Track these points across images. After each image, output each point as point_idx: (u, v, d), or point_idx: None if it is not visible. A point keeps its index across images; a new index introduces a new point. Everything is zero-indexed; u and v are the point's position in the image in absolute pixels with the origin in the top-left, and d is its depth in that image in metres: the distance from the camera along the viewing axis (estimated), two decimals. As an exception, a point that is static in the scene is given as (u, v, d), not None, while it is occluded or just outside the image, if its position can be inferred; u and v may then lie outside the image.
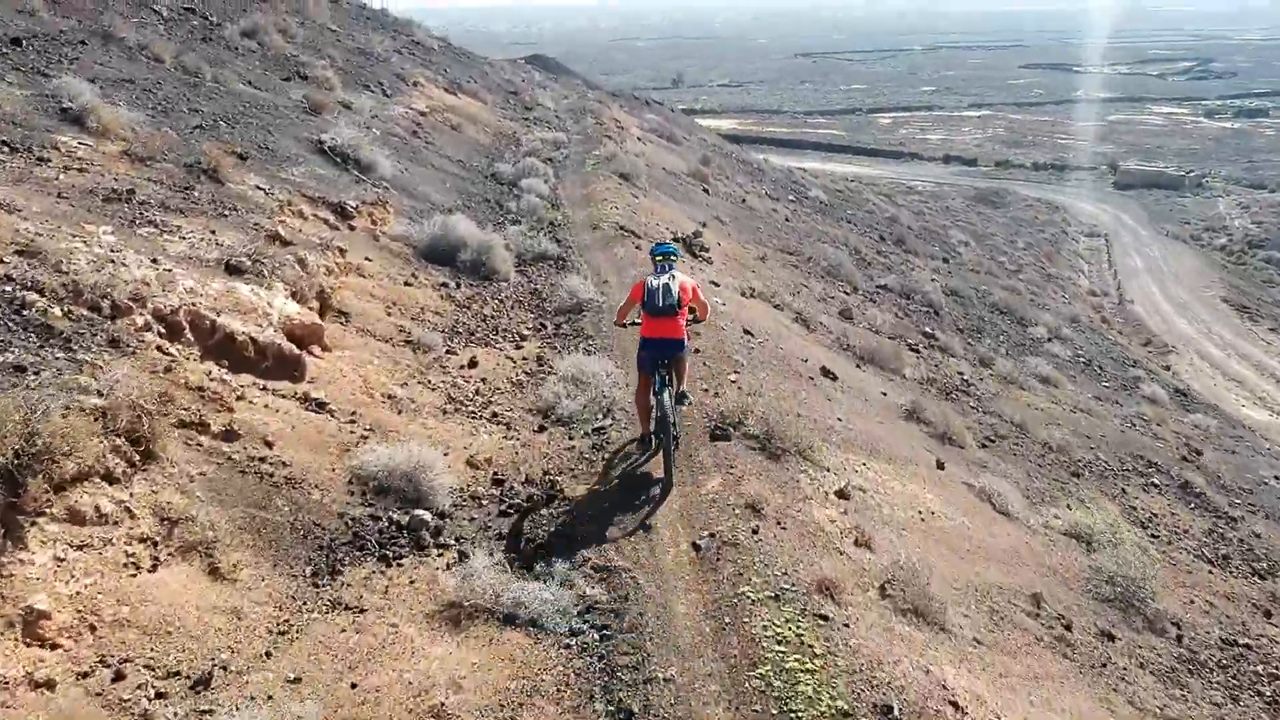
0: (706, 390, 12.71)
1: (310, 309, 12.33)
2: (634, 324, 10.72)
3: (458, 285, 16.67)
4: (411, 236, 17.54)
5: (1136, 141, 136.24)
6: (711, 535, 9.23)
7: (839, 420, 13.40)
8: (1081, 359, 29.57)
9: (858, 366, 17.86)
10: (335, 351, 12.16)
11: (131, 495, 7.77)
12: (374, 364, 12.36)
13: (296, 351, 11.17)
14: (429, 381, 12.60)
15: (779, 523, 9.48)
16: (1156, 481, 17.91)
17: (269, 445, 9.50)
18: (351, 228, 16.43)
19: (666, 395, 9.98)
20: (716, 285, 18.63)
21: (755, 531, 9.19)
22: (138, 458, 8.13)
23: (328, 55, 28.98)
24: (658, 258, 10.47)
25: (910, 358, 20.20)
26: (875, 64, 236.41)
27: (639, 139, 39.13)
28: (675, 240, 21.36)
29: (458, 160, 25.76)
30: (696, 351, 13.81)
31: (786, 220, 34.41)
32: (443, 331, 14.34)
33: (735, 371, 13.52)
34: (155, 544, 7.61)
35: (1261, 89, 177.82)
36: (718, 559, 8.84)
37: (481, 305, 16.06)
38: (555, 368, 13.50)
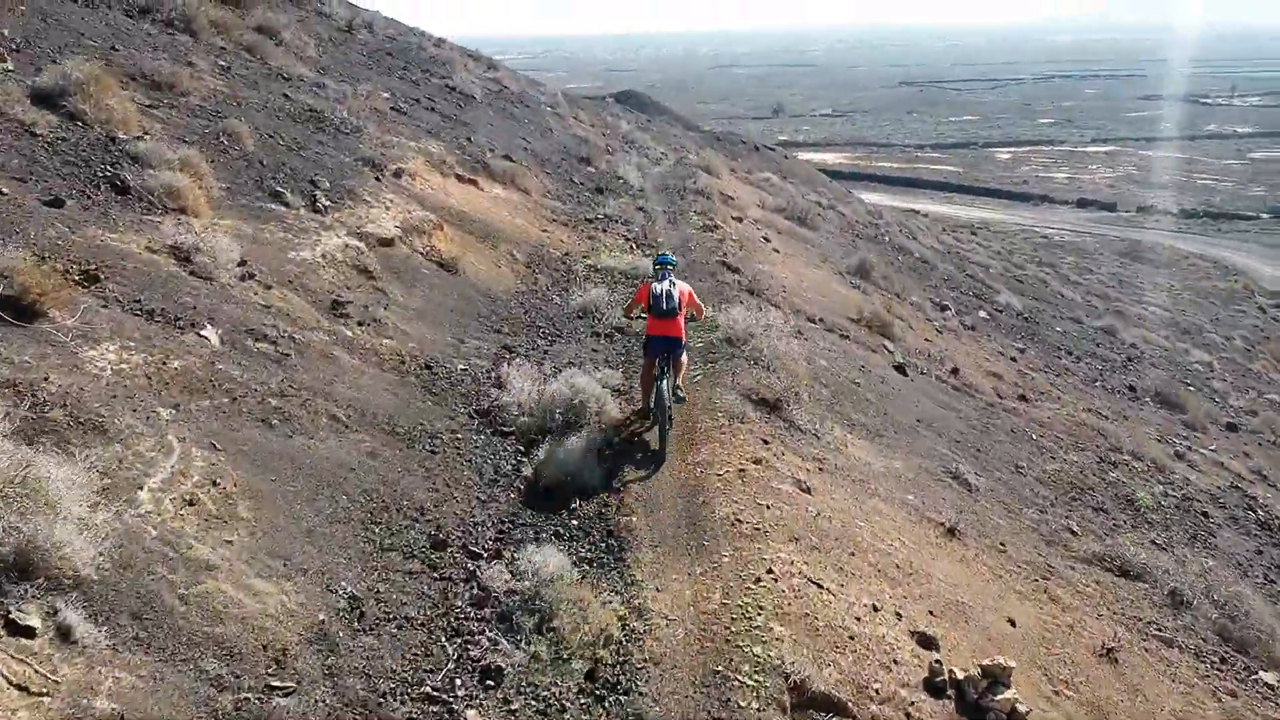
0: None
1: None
2: (640, 318, 11.74)
3: None
4: None
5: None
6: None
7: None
8: None
9: None
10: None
11: None
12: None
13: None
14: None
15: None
16: None
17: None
18: None
19: (665, 384, 10.71)
20: None
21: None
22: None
23: (247, 121, 15.42)
24: (657, 266, 11.48)
25: None
26: (984, 94, 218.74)
27: (764, 235, 24.76)
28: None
29: (413, 374, 11.65)
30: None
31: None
32: None
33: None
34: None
35: None
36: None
37: None
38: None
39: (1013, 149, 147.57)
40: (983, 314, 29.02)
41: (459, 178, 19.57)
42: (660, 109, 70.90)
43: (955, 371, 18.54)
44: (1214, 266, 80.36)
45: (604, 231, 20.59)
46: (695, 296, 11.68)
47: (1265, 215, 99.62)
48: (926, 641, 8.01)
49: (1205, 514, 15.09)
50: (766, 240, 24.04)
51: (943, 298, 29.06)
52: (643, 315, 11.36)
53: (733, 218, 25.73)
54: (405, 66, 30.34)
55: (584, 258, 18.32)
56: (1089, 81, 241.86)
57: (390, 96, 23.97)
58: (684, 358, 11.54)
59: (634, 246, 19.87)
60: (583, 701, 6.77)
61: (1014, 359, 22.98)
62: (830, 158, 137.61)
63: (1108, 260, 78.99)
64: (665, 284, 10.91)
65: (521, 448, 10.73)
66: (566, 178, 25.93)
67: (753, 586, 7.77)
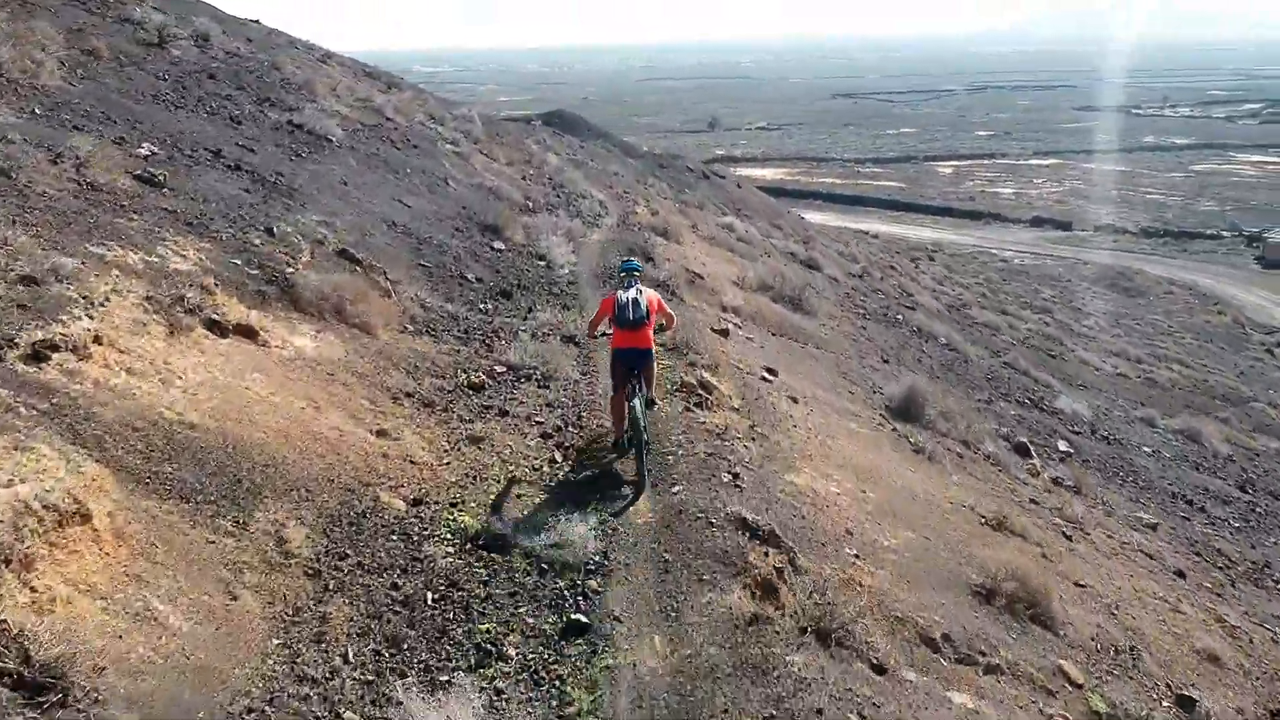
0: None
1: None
2: (604, 335, 10.74)
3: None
4: None
5: (1238, 197, 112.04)
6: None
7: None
8: None
9: None
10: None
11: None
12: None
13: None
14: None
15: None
16: None
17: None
18: None
19: (638, 402, 9.91)
20: None
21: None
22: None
23: None
24: (622, 274, 10.55)
25: None
26: (919, 106, 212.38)
27: (765, 368, 15.18)
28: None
29: None
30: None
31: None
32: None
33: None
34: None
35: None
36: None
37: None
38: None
39: (954, 163, 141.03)
40: (1061, 444, 19.94)
41: (215, 325, 9.75)
42: (595, 131, 61.14)
43: None
44: (1192, 294, 72.96)
45: (504, 413, 10.86)
46: (665, 305, 10.87)
47: (1227, 234, 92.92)
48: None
49: None
50: (768, 378, 14.57)
51: (1004, 421, 19.90)
52: (608, 332, 10.49)
53: (713, 330, 16.24)
54: (229, 96, 20.42)
55: (450, 512, 8.63)
56: (1020, 93, 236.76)
57: (152, 154, 14.05)
58: (654, 367, 10.72)
59: (557, 454, 10.20)
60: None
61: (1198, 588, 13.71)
62: (770, 174, 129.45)
63: (1082, 290, 71.16)
64: (632, 292, 10.11)
65: None
66: (454, 273, 16.09)
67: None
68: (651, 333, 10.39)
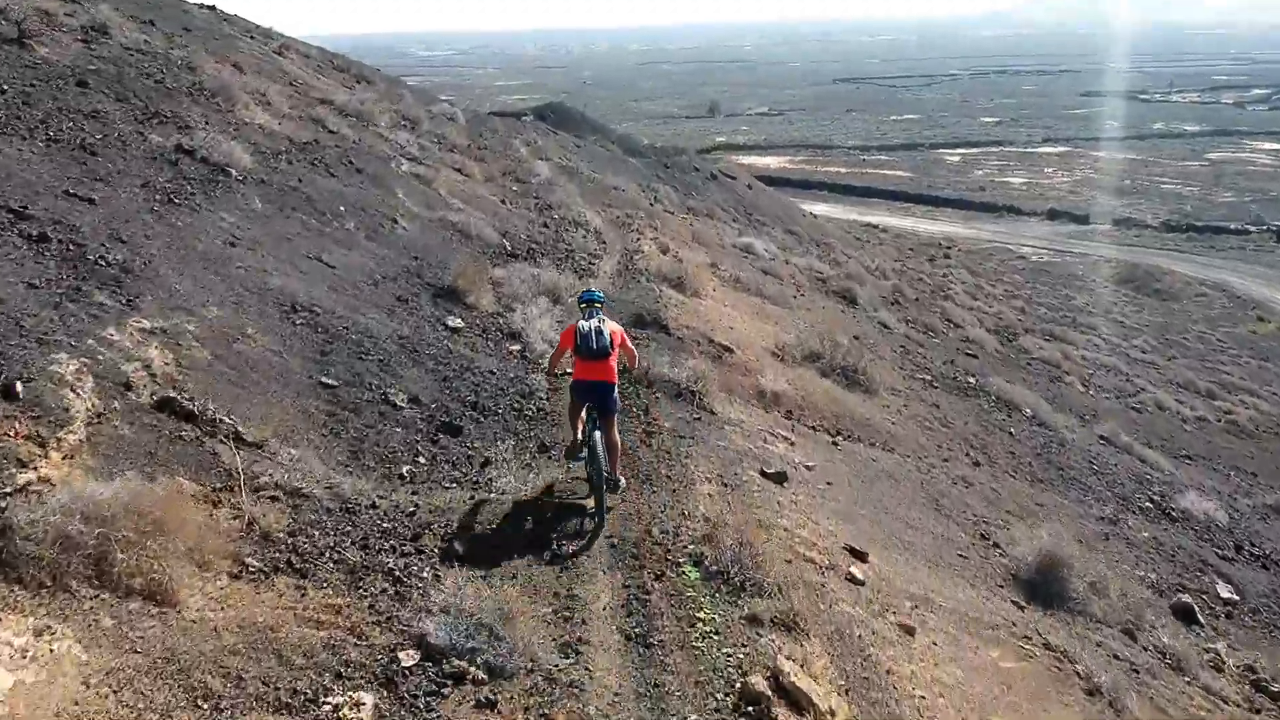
0: None
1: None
2: (565, 374, 9.80)
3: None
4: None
5: (1257, 187, 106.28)
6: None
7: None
8: None
9: None
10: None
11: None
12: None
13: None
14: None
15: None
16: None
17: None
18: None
19: (598, 437, 9.01)
20: None
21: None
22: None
23: None
24: (583, 305, 9.69)
25: None
26: (922, 91, 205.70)
27: (850, 559, 9.70)
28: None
29: None
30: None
31: None
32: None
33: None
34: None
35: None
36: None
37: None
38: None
39: (962, 150, 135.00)
40: (1221, 587, 14.48)
41: None
42: (593, 125, 55.27)
43: None
44: (1227, 298, 67.19)
45: None
46: (627, 340, 9.82)
47: (1253, 229, 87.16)
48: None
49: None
50: (857, 574, 9.09)
51: (1141, 554, 14.43)
52: (568, 371, 9.56)
53: (763, 474, 10.71)
54: (96, 114, 14.78)
55: None
56: (1025, 78, 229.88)
57: None
58: (614, 420, 9.45)
59: None
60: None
61: None
62: (774, 162, 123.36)
63: (1107, 293, 65.61)
64: (594, 322, 9.27)
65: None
66: (374, 395, 10.36)
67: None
68: (615, 365, 9.39)
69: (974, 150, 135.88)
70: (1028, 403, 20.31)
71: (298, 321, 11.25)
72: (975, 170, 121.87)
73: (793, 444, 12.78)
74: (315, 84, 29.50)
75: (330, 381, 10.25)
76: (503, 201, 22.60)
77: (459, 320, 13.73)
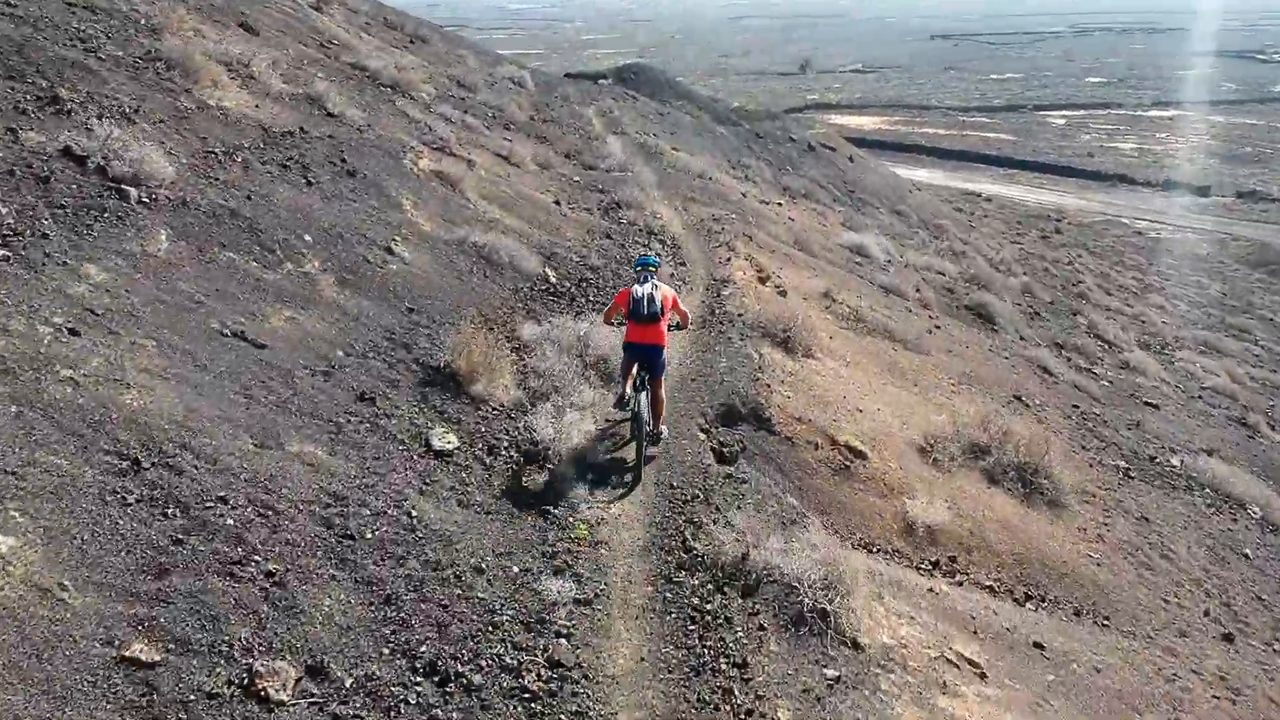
0: None
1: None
2: (620, 324, 9.97)
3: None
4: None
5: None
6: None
7: None
8: None
9: None
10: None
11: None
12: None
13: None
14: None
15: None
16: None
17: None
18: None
19: (644, 397, 9.29)
20: None
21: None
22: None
23: None
24: (638, 269, 9.79)
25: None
26: (1023, 49, 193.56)
27: None
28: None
29: None
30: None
31: None
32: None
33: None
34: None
35: None
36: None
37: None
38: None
39: (1066, 113, 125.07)
40: None
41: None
42: (678, 89, 49.24)
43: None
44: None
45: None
46: (680, 302, 10.06)
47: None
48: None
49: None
50: None
51: None
52: (622, 322, 9.78)
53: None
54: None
55: None
56: (1130, 36, 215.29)
57: None
58: (663, 385, 9.88)
59: None
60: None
61: None
62: (867, 122, 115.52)
63: (1243, 278, 58.07)
64: (647, 287, 9.46)
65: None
66: (230, 669, 5.47)
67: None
68: (665, 330, 9.58)
69: (1079, 113, 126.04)
70: (1253, 496, 14.52)
71: (133, 493, 6.22)
72: (1082, 134, 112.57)
73: (984, 675, 7.46)
74: (355, 45, 24.55)
75: (146, 657, 5.21)
76: (556, 202, 17.34)
77: (450, 436, 8.62)
